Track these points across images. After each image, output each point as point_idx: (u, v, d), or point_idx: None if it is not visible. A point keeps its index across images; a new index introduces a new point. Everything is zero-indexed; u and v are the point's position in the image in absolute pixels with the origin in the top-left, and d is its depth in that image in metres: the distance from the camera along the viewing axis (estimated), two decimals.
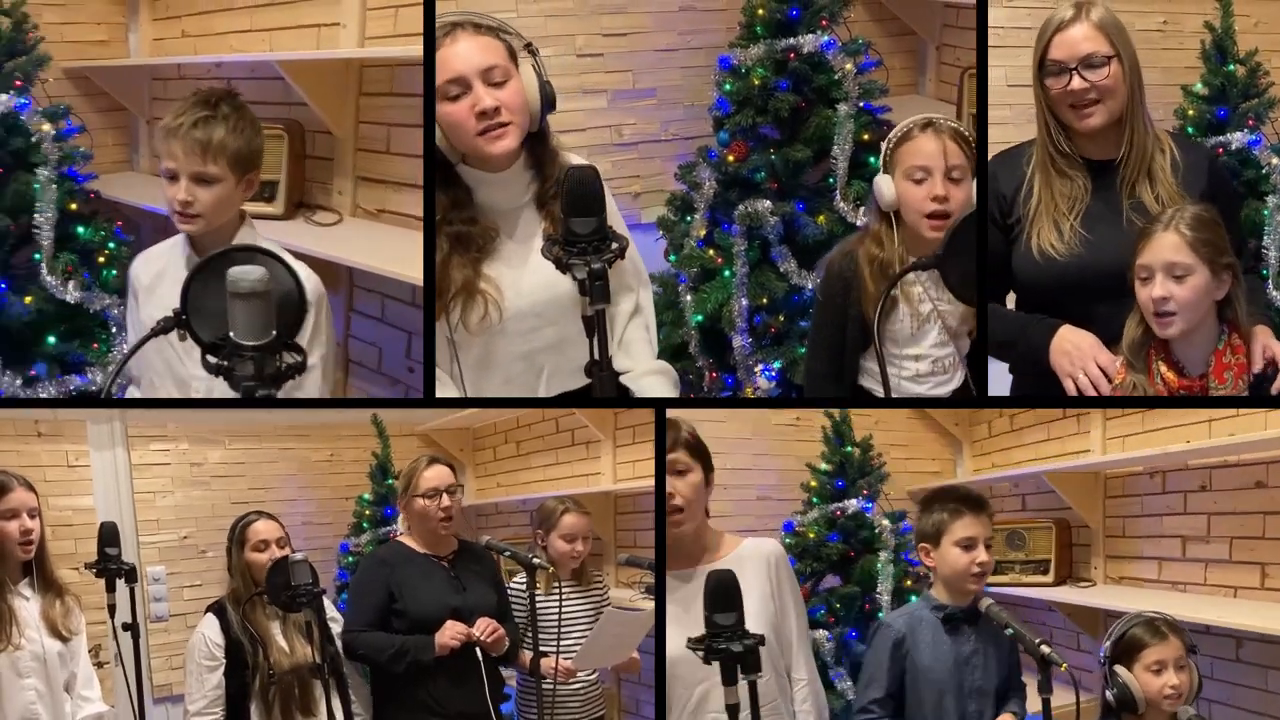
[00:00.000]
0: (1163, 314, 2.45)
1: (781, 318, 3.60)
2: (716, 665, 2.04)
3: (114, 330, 3.32)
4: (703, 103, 3.74)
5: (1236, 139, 3.38)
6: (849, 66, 3.52)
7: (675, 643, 2.36)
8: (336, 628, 3.00)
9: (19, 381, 3.28)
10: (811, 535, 3.61)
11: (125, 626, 3.07)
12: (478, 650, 3.00)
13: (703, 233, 3.62)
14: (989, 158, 2.77)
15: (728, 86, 3.57)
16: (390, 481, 4.25)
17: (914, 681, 2.56)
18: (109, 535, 3.11)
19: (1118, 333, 2.54)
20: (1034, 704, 2.32)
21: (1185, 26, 3.50)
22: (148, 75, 4.02)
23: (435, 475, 3.07)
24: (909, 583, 3.60)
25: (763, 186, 3.60)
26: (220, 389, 2.16)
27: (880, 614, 3.49)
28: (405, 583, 3.03)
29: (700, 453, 2.46)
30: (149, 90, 4.03)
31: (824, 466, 3.69)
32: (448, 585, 3.06)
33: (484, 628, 3.00)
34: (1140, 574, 3.70)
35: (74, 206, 3.34)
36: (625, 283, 2.67)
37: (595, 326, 2.07)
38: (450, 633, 2.96)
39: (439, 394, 2.57)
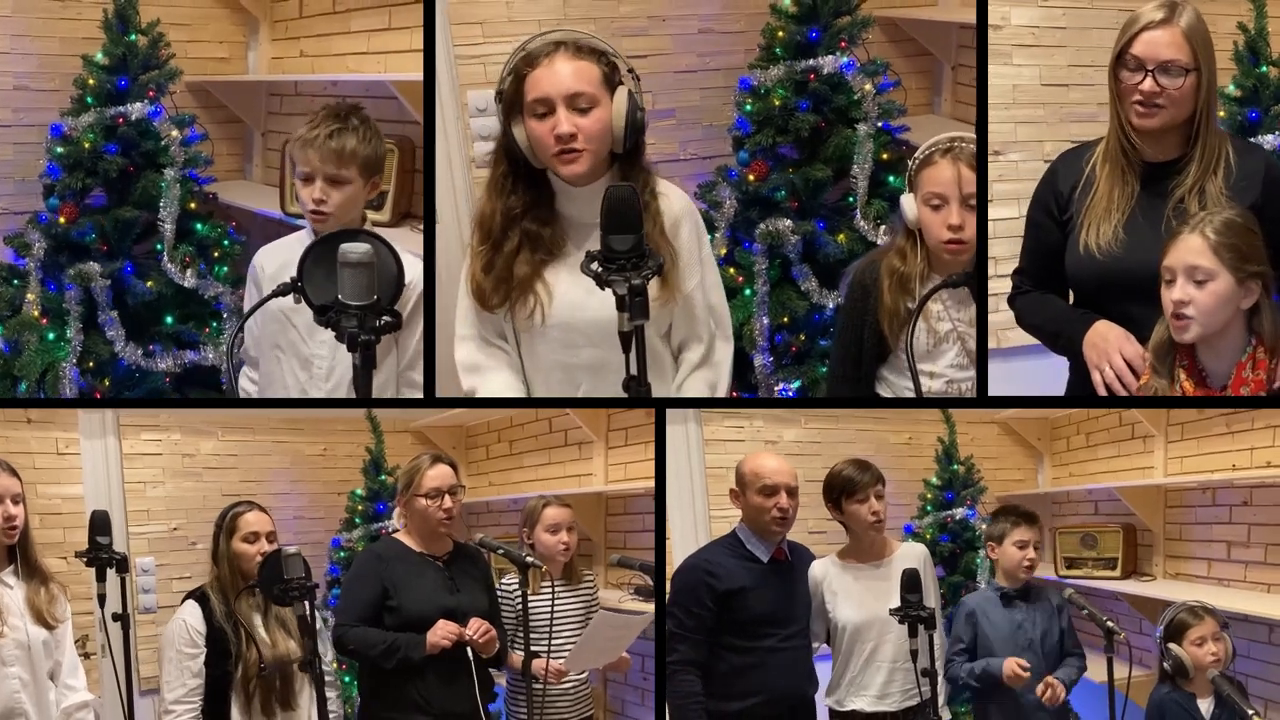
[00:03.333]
0: (1180, 317, 2.44)
1: (802, 336, 3.67)
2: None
3: (224, 316, 3.75)
4: (721, 123, 3.79)
5: (1268, 141, 3.37)
6: (868, 87, 3.57)
7: (854, 612, 3.12)
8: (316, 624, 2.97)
9: (140, 352, 3.71)
10: (928, 536, 4.24)
11: (115, 617, 3.04)
12: (468, 650, 2.98)
13: (724, 251, 3.66)
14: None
15: (748, 107, 3.63)
16: (383, 477, 4.24)
17: (984, 640, 3.26)
18: (100, 524, 3.06)
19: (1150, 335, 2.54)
20: (1103, 674, 2.95)
21: (1218, 28, 3.50)
22: (265, 91, 4.27)
23: (439, 475, 3.06)
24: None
25: (783, 205, 3.64)
26: (340, 368, 2.81)
27: None
28: (399, 580, 3.01)
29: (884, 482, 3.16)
30: (265, 105, 4.29)
31: (936, 481, 4.36)
32: (441, 585, 3.04)
33: (476, 628, 2.98)
34: (1193, 571, 4.26)
35: (193, 205, 3.77)
36: (697, 331, 2.72)
37: (632, 343, 2.14)
38: (441, 632, 2.95)
39: (498, 368, 2.67)
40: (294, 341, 2.88)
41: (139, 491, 4.25)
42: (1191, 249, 2.43)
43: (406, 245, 3.13)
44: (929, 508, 4.33)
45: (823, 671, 3.19)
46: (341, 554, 4.19)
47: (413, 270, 2.72)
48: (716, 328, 2.75)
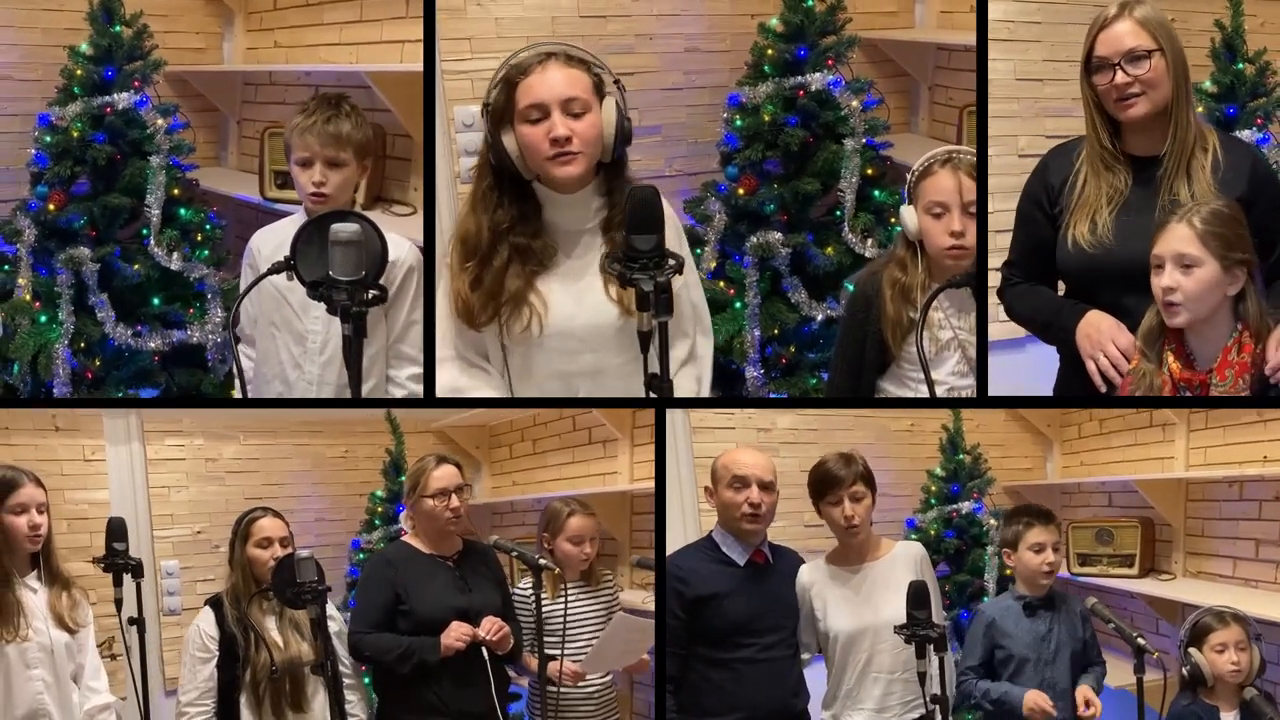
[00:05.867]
0: (1169, 304, 2.51)
1: (792, 349, 3.73)
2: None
3: (208, 297, 3.85)
4: (706, 139, 3.84)
5: (1245, 136, 3.39)
6: (855, 104, 3.67)
7: (846, 621, 2.96)
8: (335, 626, 2.99)
9: (129, 333, 3.80)
10: (931, 532, 4.10)
11: (131, 621, 3.08)
12: (484, 650, 3.00)
13: (713, 265, 3.71)
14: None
15: (738, 122, 3.70)
16: (404, 478, 4.25)
17: (1004, 653, 3.07)
18: (117, 530, 3.13)
19: None
20: (1125, 679, 2.89)
21: (1191, 25, 3.56)
22: (240, 80, 4.40)
23: (444, 475, 3.07)
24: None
25: (772, 219, 3.69)
26: (334, 342, 2.91)
27: (985, 598, 4.03)
28: (411, 583, 3.03)
29: (871, 482, 2.98)
30: (240, 94, 4.41)
31: (940, 472, 4.18)
32: (453, 586, 3.06)
33: (489, 627, 3.00)
34: (1216, 570, 4.06)
35: (177, 191, 3.86)
36: (682, 328, 2.72)
37: (655, 340, 2.16)
38: (455, 634, 2.96)
39: (480, 389, 2.69)
40: (288, 318, 3.00)
41: (163, 496, 4.29)
42: (1179, 237, 2.50)
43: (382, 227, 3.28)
44: (933, 501, 4.17)
45: (815, 680, 3.03)
46: (361, 555, 4.21)
47: (396, 249, 2.83)
48: (697, 324, 2.76)
